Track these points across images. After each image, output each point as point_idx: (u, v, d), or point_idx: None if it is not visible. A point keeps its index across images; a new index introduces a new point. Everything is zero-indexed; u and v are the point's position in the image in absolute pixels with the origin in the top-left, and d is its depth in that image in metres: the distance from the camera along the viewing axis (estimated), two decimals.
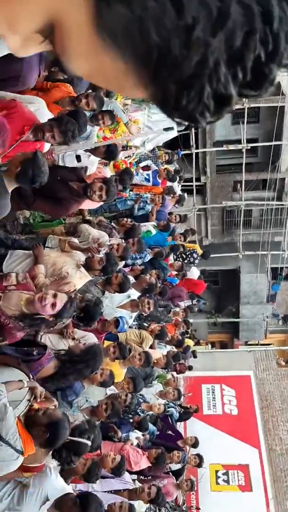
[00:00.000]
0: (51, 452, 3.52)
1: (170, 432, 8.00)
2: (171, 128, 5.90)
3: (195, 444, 8.24)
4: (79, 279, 4.51)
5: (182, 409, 9.19)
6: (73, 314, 3.78)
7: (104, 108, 5.35)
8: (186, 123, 0.55)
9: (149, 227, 7.91)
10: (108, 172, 6.22)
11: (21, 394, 3.26)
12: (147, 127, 7.68)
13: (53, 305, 3.25)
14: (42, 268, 4.06)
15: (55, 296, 3.30)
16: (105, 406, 4.87)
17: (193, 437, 8.29)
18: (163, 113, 0.55)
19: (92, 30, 0.50)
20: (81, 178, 4.64)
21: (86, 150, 5.33)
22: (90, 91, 5.02)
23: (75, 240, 4.64)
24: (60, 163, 5.02)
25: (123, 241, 5.83)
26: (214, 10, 0.46)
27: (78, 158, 5.19)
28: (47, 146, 4.11)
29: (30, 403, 3.35)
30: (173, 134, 9.42)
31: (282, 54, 0.50)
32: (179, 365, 8.98)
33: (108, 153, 5.46)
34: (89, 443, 3.69)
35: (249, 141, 14.39)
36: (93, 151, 5.42)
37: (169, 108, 0.53)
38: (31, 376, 3.49)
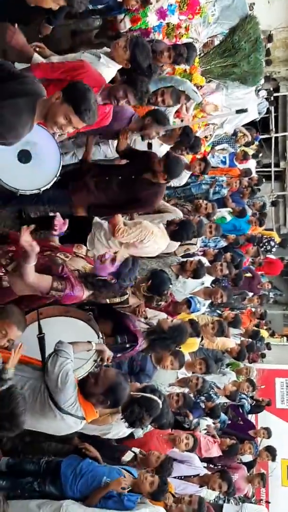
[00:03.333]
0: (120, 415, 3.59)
1: (241, 422, 7.81)
2: (244, 110, 5.42)
3: (267, 436, 7.97)
4: (160, 235, 4.42)
5: (254, 402, 8.93)
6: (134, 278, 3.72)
7: None
8: None
9: (223, 213, 7.63)
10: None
11: (88, 355, 3.29)
12: (225, 108, 7.42)
13: (113, 260, 3.18)
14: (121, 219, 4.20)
15: (114, 257, 3.24)
16: (177, 398, 4.84)
17: (265, 430, 8.01)
18: None
19: None
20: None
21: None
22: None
23: None
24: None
25: None
26: None
27: (149, 145, 4.87)
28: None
29: (96, 364, 3.34)
30: (253, 116, 9.06)
31: None
32: (252, 353, 8.70)
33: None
34: (160, 401, 3.66)
35: None
36: (166, 139, 4.96)
37: None
38: (100, 335, 3.48)
